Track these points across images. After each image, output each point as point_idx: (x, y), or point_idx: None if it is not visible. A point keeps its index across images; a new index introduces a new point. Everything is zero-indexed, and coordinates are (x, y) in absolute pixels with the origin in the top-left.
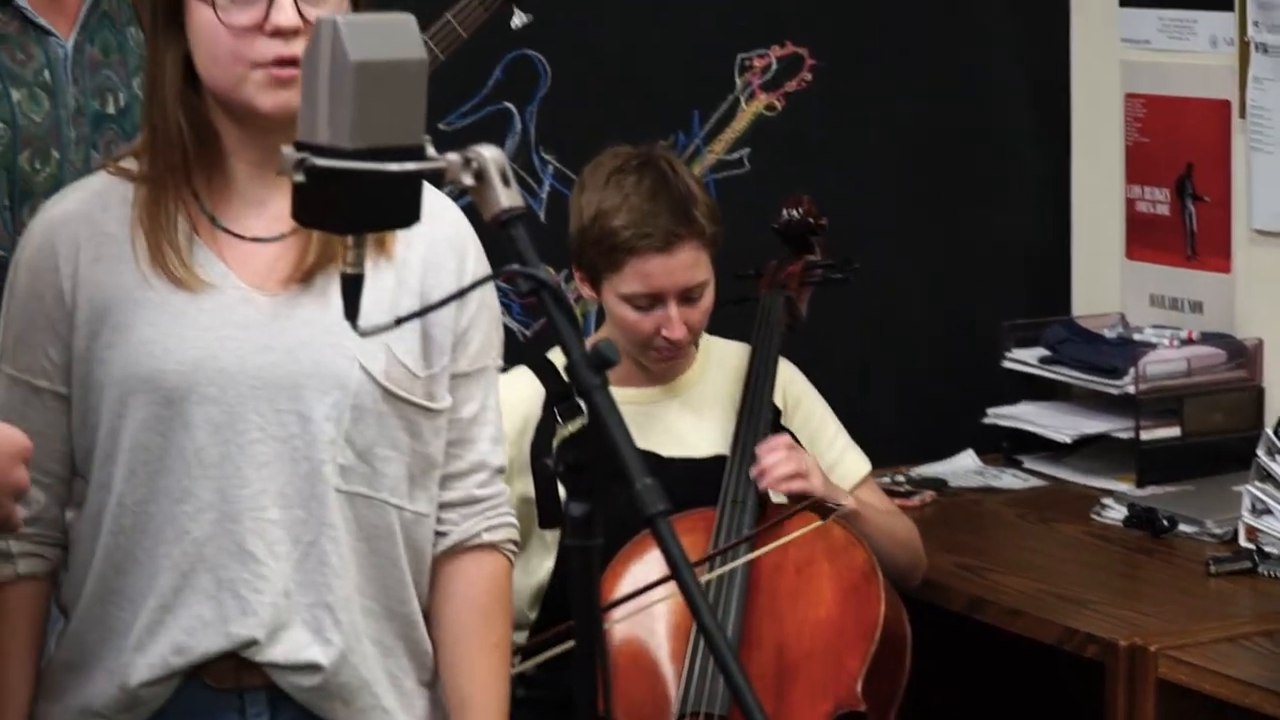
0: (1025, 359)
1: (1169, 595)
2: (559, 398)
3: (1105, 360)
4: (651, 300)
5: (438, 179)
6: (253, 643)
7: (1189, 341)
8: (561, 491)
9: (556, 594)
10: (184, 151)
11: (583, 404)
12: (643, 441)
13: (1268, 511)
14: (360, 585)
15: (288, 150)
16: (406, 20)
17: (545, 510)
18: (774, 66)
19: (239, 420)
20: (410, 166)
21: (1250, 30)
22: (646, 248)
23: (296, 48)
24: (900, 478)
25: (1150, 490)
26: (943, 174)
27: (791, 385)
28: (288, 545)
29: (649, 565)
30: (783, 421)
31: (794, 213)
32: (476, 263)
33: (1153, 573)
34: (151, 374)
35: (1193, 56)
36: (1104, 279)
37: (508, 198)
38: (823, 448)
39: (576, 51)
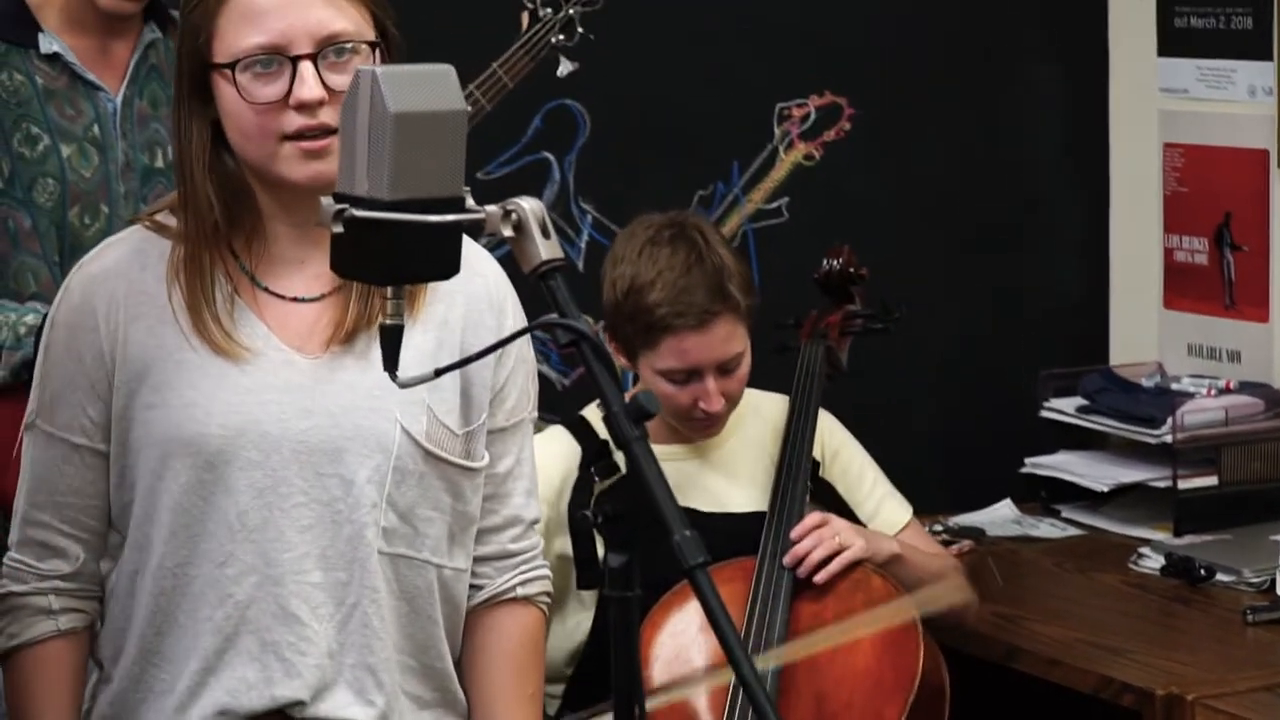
0: (1063, 408)
1: (1206, 644)
2: (596, 456)
3: (1143, 410)
4: (688, 374)
5: (476, 230)
6: (297, 704)
7: (1227, 391)
8: (600, 550)
9: (593, 653)
10: (214, 221)
11: (621, 457)
12: (680, 498)
13: None
14: (399, 643)
15: (327, 201)
16: (446, 71)
17: (583, 570)
18: (813, 116)
19: (282, 484)
20: (449, 218)
21: None
22: (682, 326)
23: (324, 117)
24: (938, 527)
25: (1187, 539)
26: (981, 223)
27: (830, 437)
28: (330, 607)
29: (688, 615)
30: (821, 473)
31: (835, 263)
32: (515, 318)
33: (1190, 622)
34: (194, 437)
35: (1231, 106)
36: (1142, 328)
37: (547, 249)
38: (861, 498)
39: (616, 101)
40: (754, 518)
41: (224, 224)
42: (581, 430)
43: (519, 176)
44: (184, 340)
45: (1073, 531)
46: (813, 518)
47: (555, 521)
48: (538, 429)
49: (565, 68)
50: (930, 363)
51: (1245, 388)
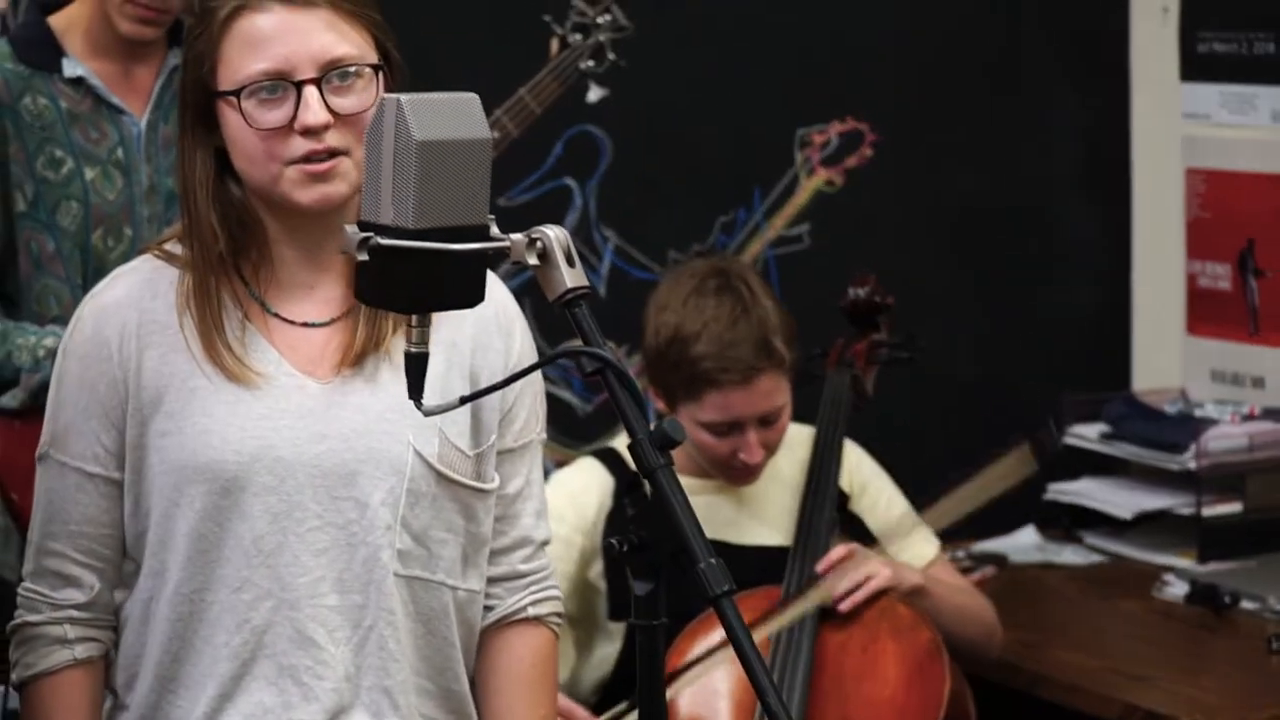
0: (1086, 434)
1: (1230, 672)
2: (628, 487)
3: (1166, 436)
4: (730, 426)
5: (498, 258)
6: None
7: (1250, 417)
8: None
9: (619, 682)
10: (219, 249)
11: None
12: (709, 532)
13: None
14: (416, 665)
15: (351, 229)
16: (470, 99)
17: (616, 602)
18: (834, 142)
19: (297, 509)
20: (475, 246)
21: None
22: (727, 381)
23: (330, 140)
24: (961, 553)
25: (1212, 566)
26: (1002, 249)
27: (858, 470)
28: (347, 631)
29: (713, 643)
30: (850, 506)
31: (860, 292)
32: (523, 340)
33: (1214, 649)
34: (209, 464)
35: (1254, 131)
36: (1165, 354)
37: (572, 278)
38: (889, 532)
39: (637, 127)
40: (782, 552)
41: (229, 252)
42: (612, 461)
43: (540, 203)
44: (196, 367)
45: (1096, 558)
46: (839, 550)
47: (589, 551)
48: (566, 458)
49: (595, 93)
50: (952, 388)
51: (1269, 414)
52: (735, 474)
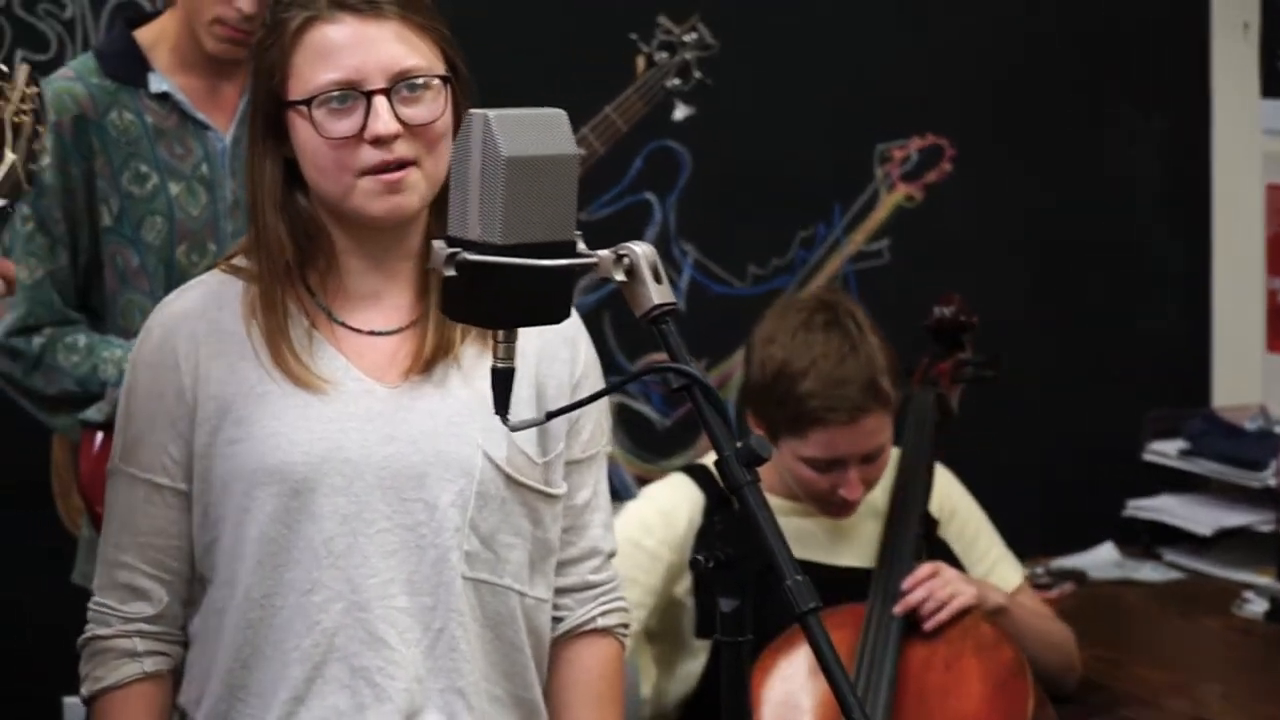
0: (1165, 451)
1: None
2: (719, 504)
3: (1246, 453)
4: (831, 463)
5: (584, 273)
6: None
7: None
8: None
9: (703, 698)
10: (286, 259)
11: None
12: (796, 550)
13: None
14: (486, 672)
15: (439, 245)
16: (558, 115)
17: (703, 617)
18: (914, 157)
19: (366, 510)
20: (563, 262)
21: None
22: (833, 420)
23: (400, 150)
24: (1040, 569)
25: None
26: (1081, 265)
27: (949, 496)
28: (417, 632)
29: (797, 660)
30: (939, 532)
31: (946, 311)
32: (588, 351)
33: None
34: (279, 466)
35: None
36: (1245, 371)
37: (659, 294)
38: (975, 559)
39: (717, 142)
40: (869, 574)
41: (295, 262)
42: (703, 478)
43: (621, 217)
44: (264, 375)
45: (1175, 575)
46: (925, 568)
47: (677, 566)
48: (644, 472)
49: (681, 112)
50: (1032, 405)
51: None
52: (833, 509)
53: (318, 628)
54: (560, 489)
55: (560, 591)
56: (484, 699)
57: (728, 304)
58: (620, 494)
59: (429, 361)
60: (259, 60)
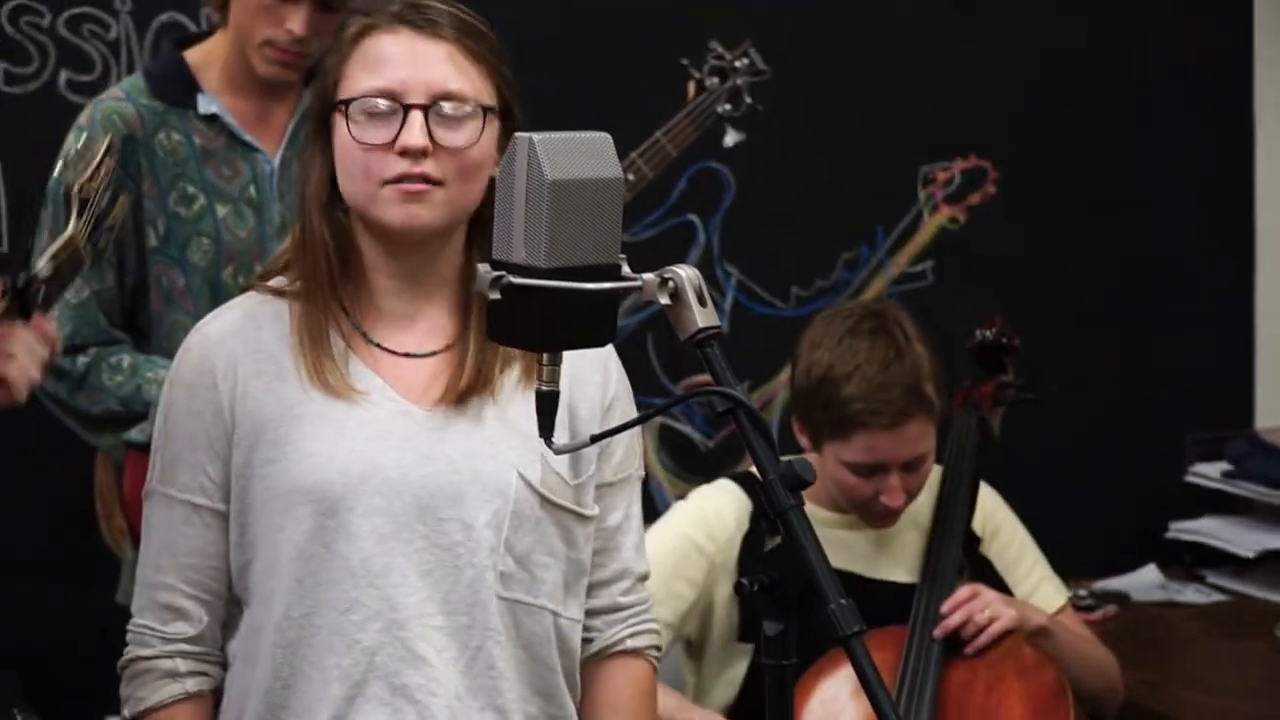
0: (1208, 473)
1: None
2: (765, 511)
3: None
4: (873, 469)
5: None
6: None
7: None
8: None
9: (746, 706)
10: (329, 263)
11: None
12: (839, 562)
13: None
14: (522, 691)
15: (484, 267)
16: (602, 139)
17: (747, 623)
18: (957, 179)
19: (404, 529)
20: (608, 286)
21: None
22: (876, 424)
23: (425, 167)
24: (1083, 592)
25: None
26: (1124, 287)
27: (992, 515)
28: (454, 651)
29: (838, 682)
30: (981, 549)
31: (988, 333)
32: (619, 374)
33: None
34: (316, 485)
35: None
36: None
37: (704, 317)
38: (1018, 578)
39: (760, 164)
40: (911, 589)
41: (337, 270)
42: (750, 485)
43: (664, 239)
44: (302, 394)
45: (1218, 597)
46: (964, 591)
47: (719, 565)
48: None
49: (732, 137)
50: (1075, 426)
51: None
52: (874, 516)
53: (357, 646)
54: (592, 510)
55: (590, 613)
56: (521, 718)
57: (771, 325)
58: (662, 515)
59: (464, 394)
60: (321, 62)
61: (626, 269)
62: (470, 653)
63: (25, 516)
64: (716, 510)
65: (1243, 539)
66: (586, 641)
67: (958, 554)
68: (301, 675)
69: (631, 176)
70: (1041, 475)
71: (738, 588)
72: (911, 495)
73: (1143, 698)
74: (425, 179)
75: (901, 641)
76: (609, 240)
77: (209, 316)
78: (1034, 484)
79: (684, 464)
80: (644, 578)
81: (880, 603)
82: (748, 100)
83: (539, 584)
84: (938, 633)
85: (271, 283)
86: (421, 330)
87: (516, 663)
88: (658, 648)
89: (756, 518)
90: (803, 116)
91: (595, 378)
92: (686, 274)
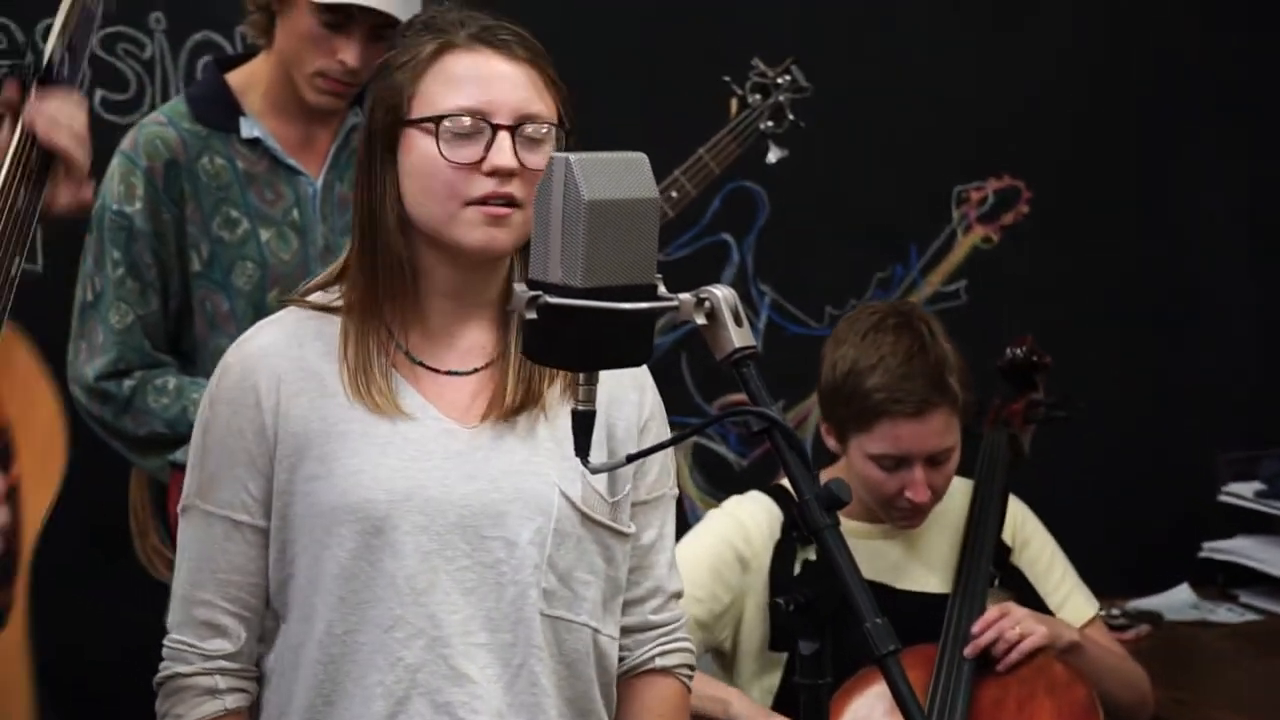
0: (1242, 493)
1: None
2: (796, 522)
3: None
4: (898, 462)
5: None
6: None
7: None
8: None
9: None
10: (402, 281)
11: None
12: (872, 574)
13: None
14: (562, 709)
15: (520, 287)
16: (639, 159)
17: (778, 632)
18: (991, 199)
19: (448, 547)
20: (644, 306)
21: None
22: (899, 412)
23: (510, 188)
24: (1116, 611)
25: None
26: (1158, 305)
27: (1023, 525)
28: (497, 668)
29: (870, 700)
30: (1011, 559)
31: (1018, 351)
32: (654, 393)
33: None
34: (360, 503)
35: None
36: None
37: (740, 337)
38: (1049, 589)
39: (794, 183)
40: (942, 600)
41: (411, 276)
42: (781, 497)
43: (698, 258)
44: (346, 412)
45: (1251, 617)
46: (993, 611)
47: (757, 573)
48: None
49: (775, 154)
50: (1108, 445)
51: None
52: (901, 514)
53: (400, 664)
54: (630, 528)
55: (623, 631)
56: None
57: (804, 344)
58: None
59: (507, 413)
60: (386, 77)
61: (663, 289)
62: (513, 670)
63: (60, 532)
64: (751, 517)
65: (1276, 559)
66: (619, 659)
67: (988, 571)
68: (344, 692)
69: (675, 194)
70: (1075, 494)
71: (773, 607)
72: (937, 494)
73: (1175, 716)
74: (510, 201)
75: (932, 660)
76: (645, 260)
77: (249, 333)
78: (1067, 503)
79: (718, 483)
80: (677, 595)
81: (907, 615)
82: (790, 117)
83: (581, 601)
84: (968, 652)
85: (312, 298)
86: (463, 347)
87: (557, 680)
88: (690, 666)
89: (788, 528)
90: (833, 135)
91: (632, 396)
92: (723, 294)
